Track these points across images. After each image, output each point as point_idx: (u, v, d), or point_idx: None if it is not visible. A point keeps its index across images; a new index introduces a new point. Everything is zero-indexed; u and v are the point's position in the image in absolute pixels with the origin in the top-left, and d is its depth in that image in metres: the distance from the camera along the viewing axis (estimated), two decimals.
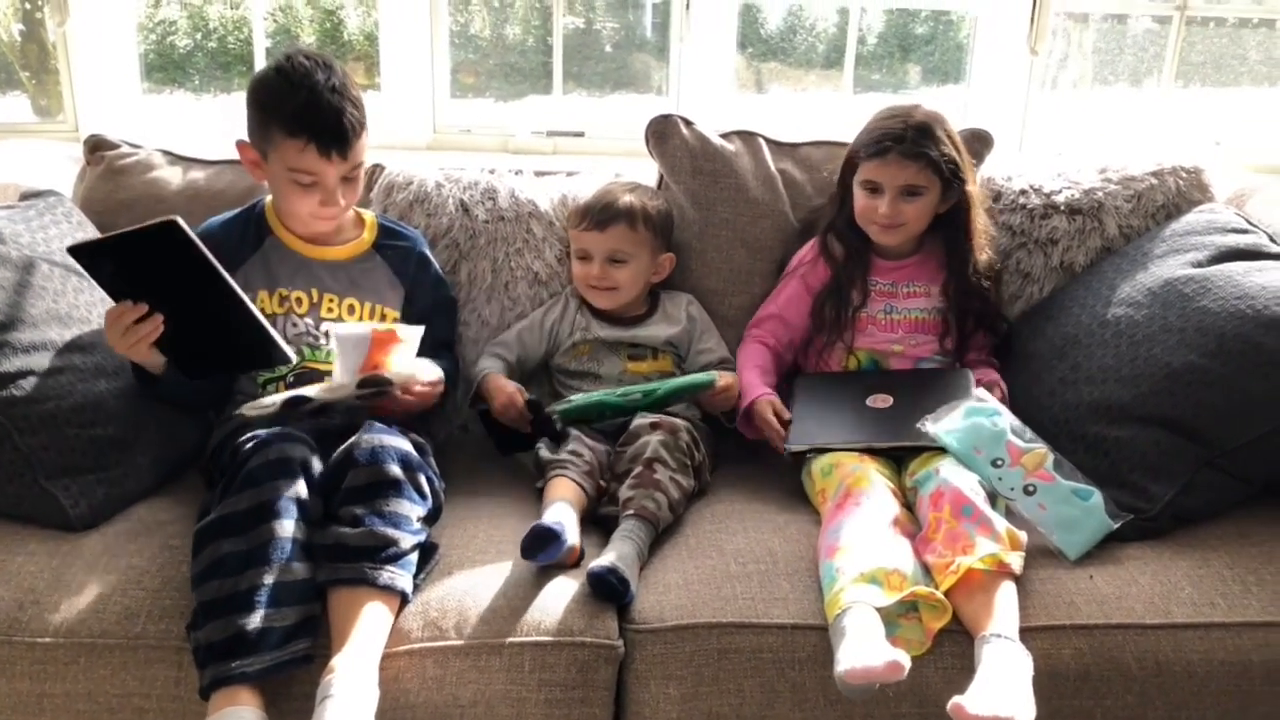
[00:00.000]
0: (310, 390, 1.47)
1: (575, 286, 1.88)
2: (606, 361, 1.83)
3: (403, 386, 1.52)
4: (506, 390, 1.72)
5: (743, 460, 1.79)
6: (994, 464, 1.53)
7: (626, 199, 1.84)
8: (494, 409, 1.71)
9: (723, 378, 1.73)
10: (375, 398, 1.50)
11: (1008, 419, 1.57)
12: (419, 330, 1.52)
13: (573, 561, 1.45)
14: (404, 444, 1.42)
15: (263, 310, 1.57)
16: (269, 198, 1.69)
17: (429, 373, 1.60)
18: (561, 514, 1.46)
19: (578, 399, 1.70)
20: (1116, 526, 1.50)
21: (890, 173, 1.73)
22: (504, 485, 1.71)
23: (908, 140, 1.71)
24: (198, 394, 1.60)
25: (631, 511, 1.50)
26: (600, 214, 1.82)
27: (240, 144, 1.62)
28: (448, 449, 1.81)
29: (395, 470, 1.38)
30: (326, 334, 1.63)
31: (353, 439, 1.41)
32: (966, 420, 1.56)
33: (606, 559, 1.39)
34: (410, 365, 1.52)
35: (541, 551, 1.41)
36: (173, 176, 1.97)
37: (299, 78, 1.52)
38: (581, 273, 1.85)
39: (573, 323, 1.87)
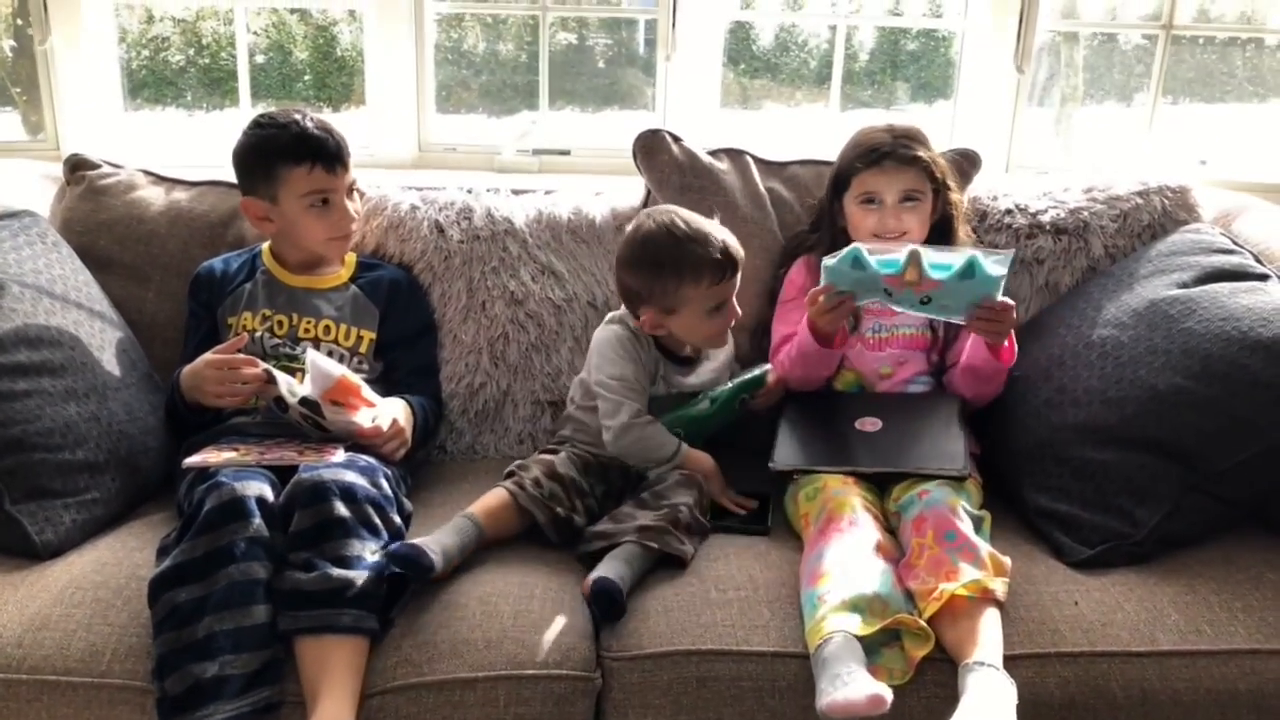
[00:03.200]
0: (280, 379, 1.52)
1: (701, 340, 1.72)
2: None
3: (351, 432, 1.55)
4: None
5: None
6: (886, 293, 1.54)
7: (729, 235, 1.68)
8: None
9: (772, 372, 1.73)
10: (309, 421, 1.53)
11: (872, 259, 1.55)
12: (382, 404, 1.58)
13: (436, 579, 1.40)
14: (346, 475, 1.40)
15: (244, 326, 1.72)
16: (266, 244, 1.81)
17: (388, 414, 1.60)
18: (444, 536, 1.42)
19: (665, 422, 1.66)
20: (1003, 269, 1.51)
21: (888, 179, 1.73)
22: None
23: (899, 147, 1.72)
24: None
25: (650, 542, 1.46)
26: (735, 257, 1.64)
27: (245, 203, 1.75)
28: (423, 472, 1.79)
29: (339, 509, 1.36)
30: (302, 348, 1.70)
31: (294, 478, 1.40)
32: (850, 279, 1.56)
33: (613, 574, 1.38)
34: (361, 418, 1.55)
35: (404, 567, 1.35)
36: (155, 197, 1.95)
37: (283, 120, 1.69)
38: (723, 324, 1.69)
39: (654, 373, 1.72)
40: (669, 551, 1.47)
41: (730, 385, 1.71)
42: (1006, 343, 1.62)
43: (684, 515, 1.52)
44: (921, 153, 1.73)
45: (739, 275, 1.66)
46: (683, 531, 1.51)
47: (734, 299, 1.67)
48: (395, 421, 1.60)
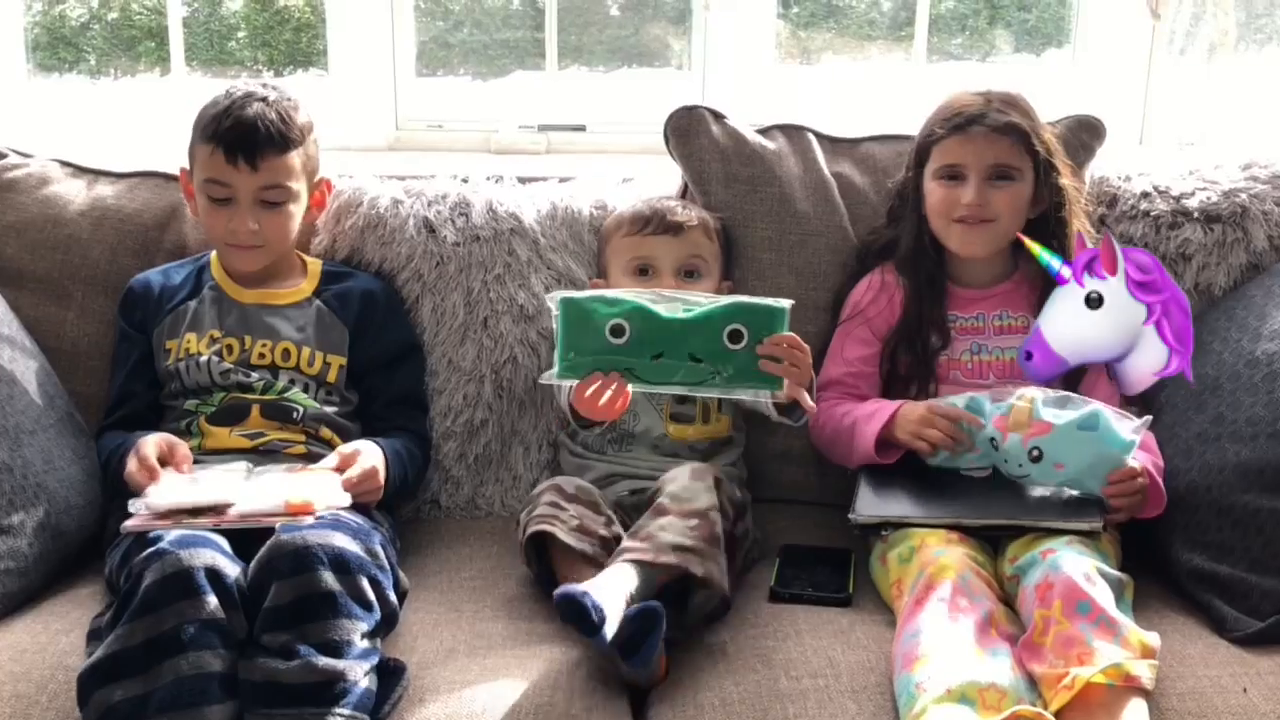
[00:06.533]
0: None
1: None
2: (644, 417, 1.83)
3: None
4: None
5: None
6: (993, 445, 1.62)
7: (690, 207, 1.92)
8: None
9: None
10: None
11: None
12: (333, 479, 1.61)
13: (661, 676, 1.48)
14: (335, 539, 1.43)
15: (187, 350, 1.80)
16: (213, 253, 1.92)
17: (364, 461, 1.65)
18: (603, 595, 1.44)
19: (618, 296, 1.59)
20: (1136, 437, 1.59)
21: (976, 149, 1.79)
22: (488, 577, 1.72)
23: (993, 111, 1.78)
24: None
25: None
26: (671, 216, 1.86)
27: (181, 171, 1.89)
28: (411, 533, 1.83)
29: (328, 580, 1.39)
30: (258, 379, 1.80)
31: (272, 539, 1.43)
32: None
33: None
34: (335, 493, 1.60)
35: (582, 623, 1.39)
36: (74, 193, 2.01)
37: (233, 94, 1.81)
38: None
39: None
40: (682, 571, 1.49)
41: (728, 301, 1.57)
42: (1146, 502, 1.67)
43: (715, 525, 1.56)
44: (1021, 121, 1.79)
45: (673, 244, 1.85)
46: (710, 546, 1.53)
47: (669, 275, 1.84)
48: (371, 467, 1.65)
